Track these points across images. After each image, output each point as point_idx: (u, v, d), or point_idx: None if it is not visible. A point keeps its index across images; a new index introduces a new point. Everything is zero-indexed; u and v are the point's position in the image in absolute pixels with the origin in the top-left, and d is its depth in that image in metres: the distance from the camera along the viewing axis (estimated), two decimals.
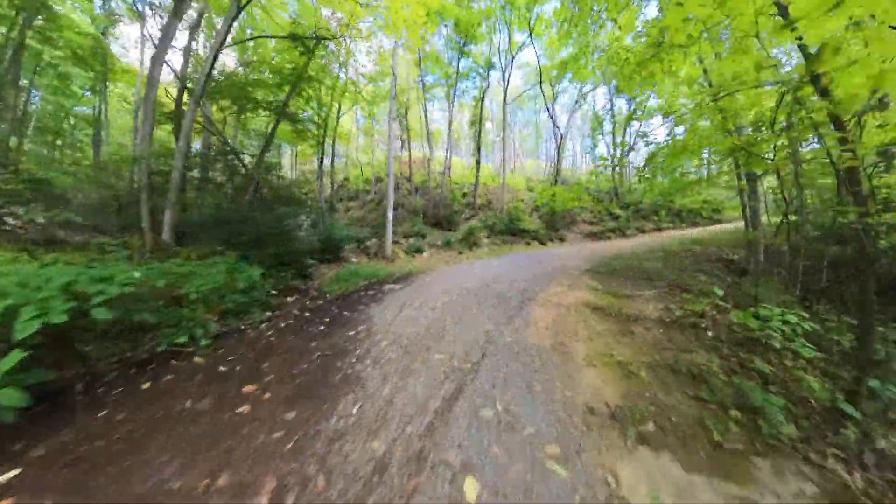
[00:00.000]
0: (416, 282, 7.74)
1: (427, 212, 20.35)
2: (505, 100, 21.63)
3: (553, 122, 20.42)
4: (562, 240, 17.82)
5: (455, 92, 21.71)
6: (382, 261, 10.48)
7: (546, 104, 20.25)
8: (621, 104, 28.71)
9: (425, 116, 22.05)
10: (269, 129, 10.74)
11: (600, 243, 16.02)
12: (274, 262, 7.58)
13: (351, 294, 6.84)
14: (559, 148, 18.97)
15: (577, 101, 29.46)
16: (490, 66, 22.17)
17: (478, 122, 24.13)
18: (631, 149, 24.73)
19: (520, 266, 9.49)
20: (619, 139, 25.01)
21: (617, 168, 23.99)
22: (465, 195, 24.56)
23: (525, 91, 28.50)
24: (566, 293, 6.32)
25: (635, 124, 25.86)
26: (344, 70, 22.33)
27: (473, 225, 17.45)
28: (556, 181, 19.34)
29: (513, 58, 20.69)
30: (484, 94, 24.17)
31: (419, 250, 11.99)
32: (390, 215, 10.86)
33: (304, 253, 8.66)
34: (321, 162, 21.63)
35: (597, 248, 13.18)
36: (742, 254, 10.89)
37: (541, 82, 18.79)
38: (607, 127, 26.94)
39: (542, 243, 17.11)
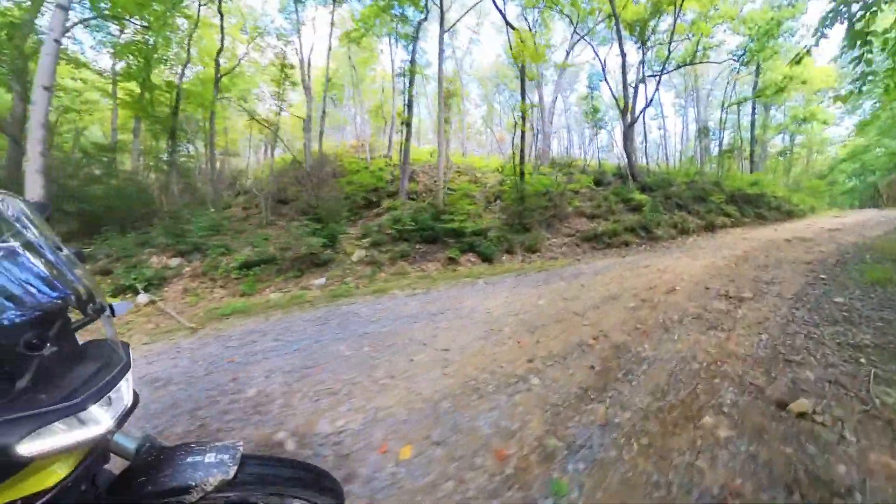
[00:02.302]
0: None
1: (317, 207, 11.29)
2: (442, 24, 12.59)
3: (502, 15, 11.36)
4: (533, 250, 8.70)
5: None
6: None
7: None
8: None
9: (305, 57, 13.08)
10: None
11: (619, 264, 6.79)
12: None
13: None
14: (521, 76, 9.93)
15: (567, 54, 20.50)
16: None
17: (408, 72, 15.16)
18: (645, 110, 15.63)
19: None
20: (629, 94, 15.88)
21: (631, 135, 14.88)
22: (393, 180, 15.55)
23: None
24: None
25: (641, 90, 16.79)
26: None
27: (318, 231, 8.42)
28: (521, 137, 10.26)
29: None
30: (419, 29, 15.25)
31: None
32: None
33: None
34: (172, 139, 12.66)
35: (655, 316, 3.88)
36: None
37: None
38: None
39: (488, 260, 8.00)
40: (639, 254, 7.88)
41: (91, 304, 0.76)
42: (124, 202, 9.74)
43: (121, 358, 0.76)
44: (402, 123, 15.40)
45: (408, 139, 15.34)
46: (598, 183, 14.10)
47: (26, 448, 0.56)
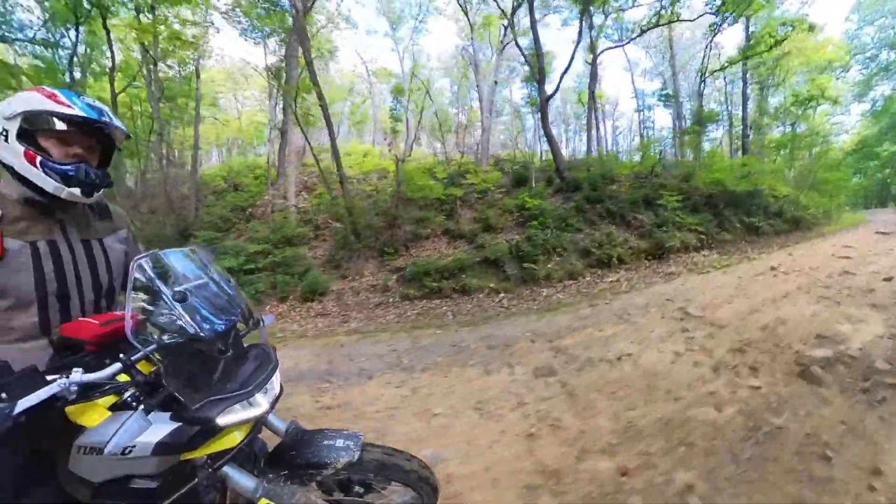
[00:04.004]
0: None
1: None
2: (300, 13, 8.44)
3: None
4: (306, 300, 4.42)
5: None
6: None
7: None
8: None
9: None
10: None
11: None
12: None
13: None
14: None
15: (505, 30, 16.25)
16: None
17: (278, 71, 11.23)
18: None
19: None
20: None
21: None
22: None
23: None
24: None
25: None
26: None
27: None
28: (327, 122, 6.51)
29: None
30: (294, 23, 11.26)
31: None
32: None
33: None
34: None
35: None
36: None
37: None
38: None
39: None
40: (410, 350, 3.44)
41: (251, 319, 0.99)
42: None
43: (272, 358, 0.96)
44: (272, 129, 11.37)
45: (282, 149, 11.27)
46: (520, 182, 9.67)
47: (221, 420, 0.77)
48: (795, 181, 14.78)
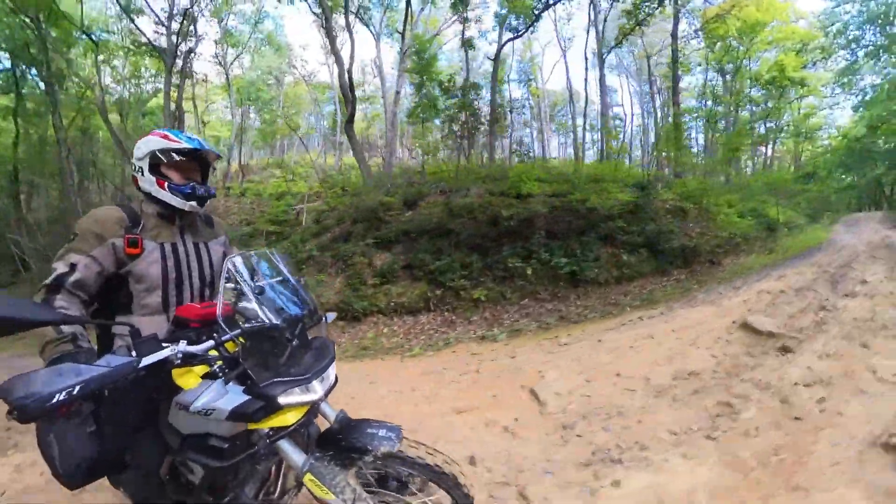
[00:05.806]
0: None
1: None
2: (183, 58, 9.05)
3: None
4: None
5: None
6: None
7: None
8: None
9: None
10: None
11: None
12: None
13: None
14: None
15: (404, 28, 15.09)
16: None
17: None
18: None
19: None
20: None
21: None
22: None
23: None
24: None
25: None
26: None
27: None
28: None
29: None
30: (179, 59, 11.56)
31: None
32: None
33: None
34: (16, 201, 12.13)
35: None
36: None
37: None
38: None
39: None
40: None
41: (315, 314, 1.13)
42: None
43: (330, 351, 1.09)
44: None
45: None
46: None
47: (282, 399, 0.90)
48: (729, 186, 12.72)
